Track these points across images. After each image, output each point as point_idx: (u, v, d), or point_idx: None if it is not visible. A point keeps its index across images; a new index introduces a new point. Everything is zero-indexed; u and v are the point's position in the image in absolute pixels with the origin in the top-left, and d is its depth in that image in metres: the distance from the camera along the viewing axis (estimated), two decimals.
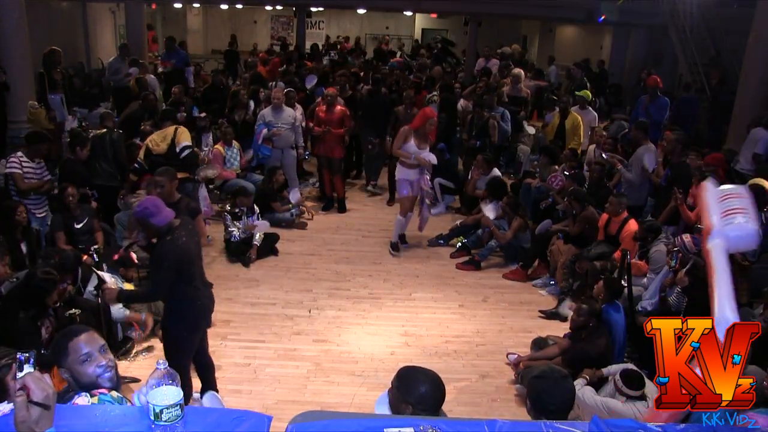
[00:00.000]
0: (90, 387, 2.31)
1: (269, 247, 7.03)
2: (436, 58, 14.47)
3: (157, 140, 6.42)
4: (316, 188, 9.15)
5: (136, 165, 6.51)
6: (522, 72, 10.73)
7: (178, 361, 3.76)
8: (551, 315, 6.01)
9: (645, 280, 5.54)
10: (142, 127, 8.00)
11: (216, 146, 8.05)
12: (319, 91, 9.88)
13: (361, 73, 10.50)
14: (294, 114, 8.23)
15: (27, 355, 2.47)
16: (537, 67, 14.81)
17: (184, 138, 6.39)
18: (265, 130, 8.03)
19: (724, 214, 2.30)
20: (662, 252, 5.44)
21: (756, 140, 7.77)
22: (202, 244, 4.35)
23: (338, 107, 8.16)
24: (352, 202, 8.80)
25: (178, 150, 6.31)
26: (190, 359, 4.09)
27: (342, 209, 8.46)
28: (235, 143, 8.19)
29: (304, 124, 8.76)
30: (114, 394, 2.33)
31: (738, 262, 5.44)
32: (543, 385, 2.70)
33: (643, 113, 8.73)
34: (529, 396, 2.76)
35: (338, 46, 17.43)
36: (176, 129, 6.47)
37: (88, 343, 2.39)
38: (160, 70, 12.10)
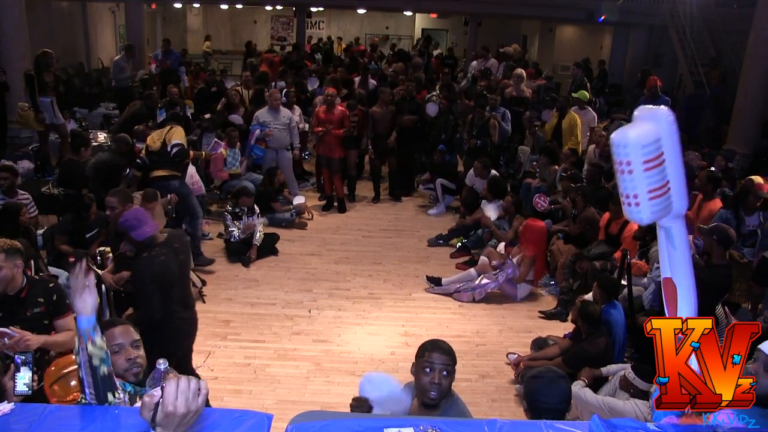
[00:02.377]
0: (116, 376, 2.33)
1: (269, 247, 7.03)
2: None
3: (155, 138, 6.42)
4: (314, 188, 9.16)
5: (138, 160, 6.50)
6: (524, 72, 10.70)
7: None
8: (551, 315, 6.00)
9: (645, 280, 5.54)
10: (139, 128, 8.00)
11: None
12: (320, 92, 9.88)
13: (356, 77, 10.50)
14: (289, 115, 8.21)
15: (24, 357, 2.48)
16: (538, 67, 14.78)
17: (177, 136, 6.35)
18: (258, 131, 8.02)
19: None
20: None
21: None
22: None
23: (339, 107, 8.13)
24: (352, 202, 8.80)
25: (168, 148, 6.28)
26: None
27: (342, 209, 8.46)
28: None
29: (302, 125, 8.75)
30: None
31: (737, 261, 5.46)
32: (537, 386, 2.71)
33: None
34: (525, 396, 2.76)
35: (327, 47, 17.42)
36: (171, 128, 6.44)
37: (122, 334, 2.46)
38: (153, 68, 12.10)
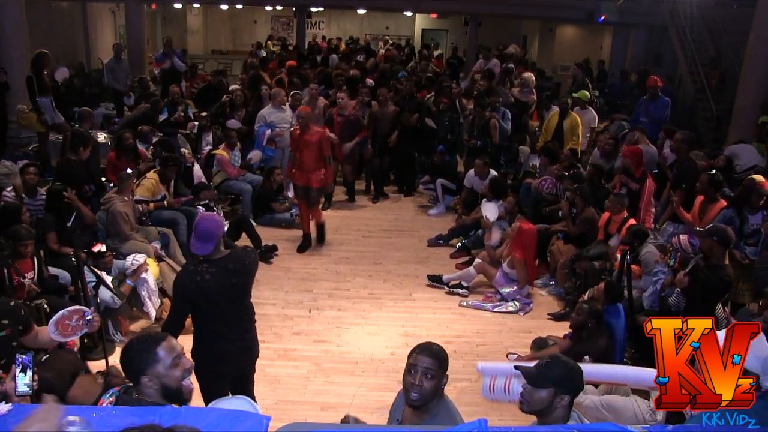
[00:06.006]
0: (176, 394, 2.27)
1: (256, 244, 6.96)
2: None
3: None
4: None
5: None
6: (532, 76, 10.65)
7: (204, 390, 3.62)
8: (561, 317, 5.98)
9: (642, 282, 5.53)
10: (144, 128, 8.00)
11: (219, 150, 8.02)
12: (323, 93, 9.84)
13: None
14: (292, 114, 8.24)
15: (25, 357, 2.48)
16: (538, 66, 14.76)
17: (141, 190, 6.42)
18: (268, 131, 8.01)
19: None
20: (652, 252, 5.44)
21: None
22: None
23: (315, 128, 6.93)
24: (352, 202, 8.78)
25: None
26: (217, 393, 3.61)
27: (322, 239, 7.33)
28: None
29: None
30: None
31: (738, 261, 5.44)
32: (577, 370, 2.60)
33: (643, 113, 8.73)
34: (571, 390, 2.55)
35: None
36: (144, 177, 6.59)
37: (173, 347, 2.35)
38: (156, 71, 12.06)
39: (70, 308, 3.14)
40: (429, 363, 2.52)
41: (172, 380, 2.27)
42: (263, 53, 13.66)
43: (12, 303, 3.28)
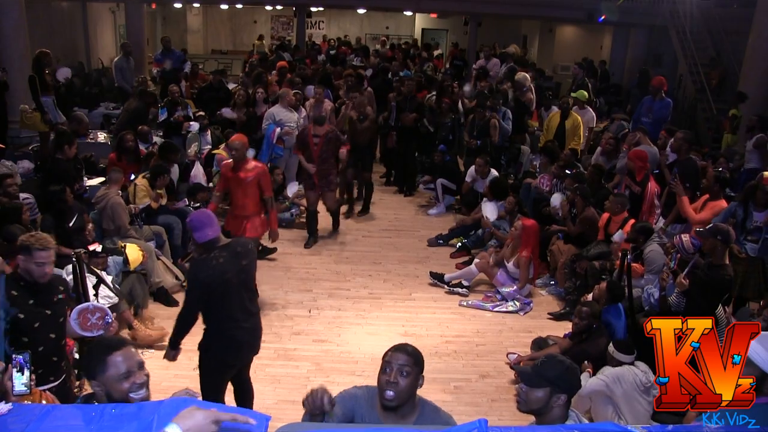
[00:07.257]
0: (120, 401, 2.22)
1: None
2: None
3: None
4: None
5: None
6: (527, 76, 10.63)
7: (208, 384, 3.70)
8: (560, 316, 5.99)
9: (643, 281, 5.53)
10: (143, 128, 8.00)
11: (219, 150, 8.01)
12: (326, 94, 9.83)
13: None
14: (298, 115, 8.28)
15: (22, 357, 2.48)
16: (537, 66, 14.76)
17: (140, 197, 6.38)
18: (278, 130, 8.00)
19: None
20: (657, 251, 5.44)
21: None
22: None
23: (252, 163, 5.80)
24: (334, 235, 8.69)
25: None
26: (221, 386, 3.81)
27: None
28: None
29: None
30: None
31: (736, 255, 5.42)
32: (574, 370, 2.60)
33: (645, 113, 8.73)
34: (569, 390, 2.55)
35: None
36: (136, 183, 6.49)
37: (126, 359, 2.26)
38: (155, 71, 12.06)
39: (96, 303, 3.26)
40: (404, 360, 2.45)
41: (116, 392, 2.21)
42: (286, 55, 13.62)
43: (62, 277, 3.72)
